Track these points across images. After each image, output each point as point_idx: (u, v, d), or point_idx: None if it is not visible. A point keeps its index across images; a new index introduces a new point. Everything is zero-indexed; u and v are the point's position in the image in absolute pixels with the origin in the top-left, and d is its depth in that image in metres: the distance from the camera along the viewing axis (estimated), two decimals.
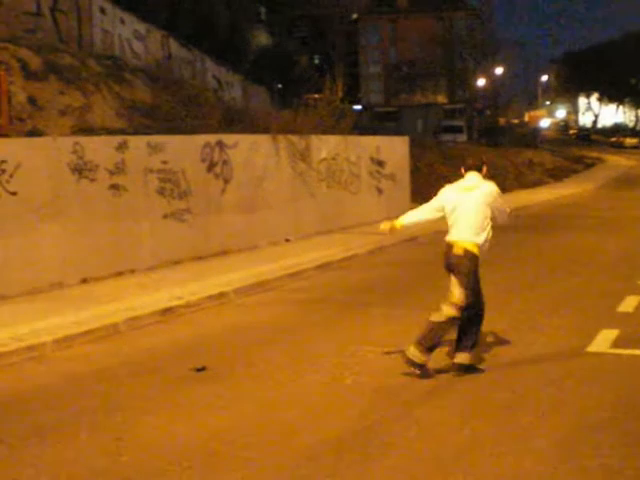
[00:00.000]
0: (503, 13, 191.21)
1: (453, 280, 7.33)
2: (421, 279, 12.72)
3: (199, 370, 7.66)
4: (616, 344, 8.28)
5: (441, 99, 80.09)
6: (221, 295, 11.41)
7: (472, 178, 7.61)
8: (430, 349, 7.28)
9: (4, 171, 10.84)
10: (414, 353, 7.23)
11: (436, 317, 7.33)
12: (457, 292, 7.26)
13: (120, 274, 12.64)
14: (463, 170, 7.72)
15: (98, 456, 5.61)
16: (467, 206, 7.42)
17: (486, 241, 7.40)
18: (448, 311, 7.27)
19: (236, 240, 15.48)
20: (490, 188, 7.53)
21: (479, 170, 7.70)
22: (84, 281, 12.05)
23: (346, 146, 20.01)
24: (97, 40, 20.32)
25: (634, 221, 21.40)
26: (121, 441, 5.88)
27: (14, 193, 10.98)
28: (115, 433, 6.04)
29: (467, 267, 7.26)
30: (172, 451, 5.65)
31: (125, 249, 12.90)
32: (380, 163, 21.66)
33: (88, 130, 14.52)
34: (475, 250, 7.32)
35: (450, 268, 7.41)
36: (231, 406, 6.65)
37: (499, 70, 68.00)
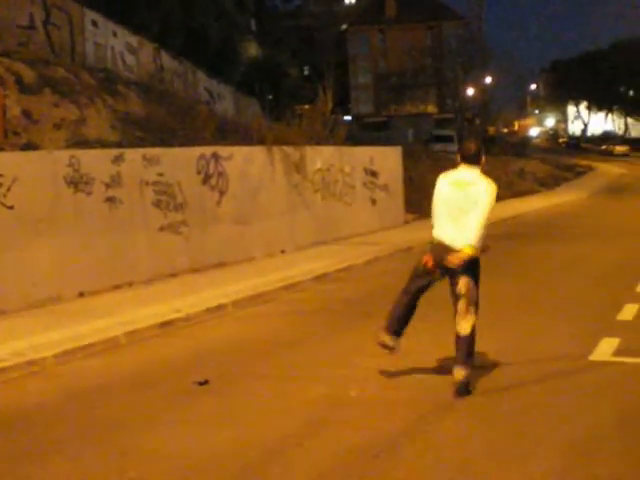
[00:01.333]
0: (493, 21, 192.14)
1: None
2: None
3: (201, 384, 7.62)
4: (618, 352, 8.26)
5: (431, 109, 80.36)
6: (219, 307, 11.38)
7: (469, 171, 7.11)
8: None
9: (1, 185, 10.80)
10: (463, 373, 6.98)
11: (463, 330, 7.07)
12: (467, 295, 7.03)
13: (117, 287, 12.59)
14: (459, 158, 7.20)
15: (104, 472, 5.56)
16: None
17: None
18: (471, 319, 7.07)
19: (232, 252, 15.46)
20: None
21: (478, 161, 7.14)
22: (81, 295, 11.99)
23: (340, 157, 20.04)
24: (90, 53, 20.30)
25: (629, 229, 21.46)
26: (126, 457, 5.83)
27: (11, 207, 10.93)
28: (120, 448, 6.00)
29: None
30: (178, 466, 5.61)
31: (122, 262, 12.86)
32: (374, 174, 21.70)
33: (83, 143, 14.49)
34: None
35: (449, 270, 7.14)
36: (236, 420, 6.61)
37: (488, 79, 68.30)
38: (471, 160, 7.13)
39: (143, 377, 8.16)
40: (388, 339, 7.41)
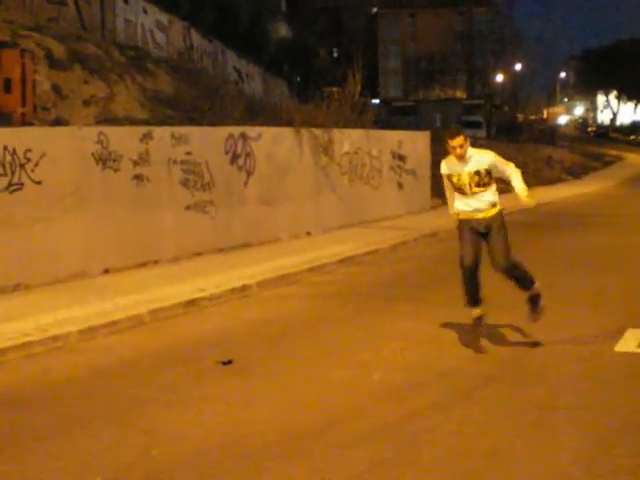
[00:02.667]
0: (525, 7, 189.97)
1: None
2: (445, 274, 12.56)
3: (225, 363, 7.61)
4: None
5: (460, 94, 79.82)
6: (244, 288, 11.36)
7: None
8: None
9: (29, 160, 10.81)
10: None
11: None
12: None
13: (143, 265, 12.61)
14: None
15: (127, 449, 5.56)
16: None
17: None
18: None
19: (258, 232, 15.44)
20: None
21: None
22: (106, 271, 12.02)
23: (368, 140, 19.92)
24: (120, 30, 20.33)
25: None
26: (150, 434, 5.83)
27: (39, 182, 10.95)
28: (143, 426, 6.00)
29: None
30: (202, 444, 5.60)
31: (148, 240, 12.87)
32: (401, 158, 21.57)
33: (112, 120, 14.50)
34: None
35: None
36: (260, 400, 6.59)
37: (518, 66, 67.69)
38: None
39: (167, 355, 8.16)
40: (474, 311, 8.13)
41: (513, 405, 6.37)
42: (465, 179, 7.89)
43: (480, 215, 7.93)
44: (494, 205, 7.95)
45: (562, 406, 6.33)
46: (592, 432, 5.73)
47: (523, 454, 5.36)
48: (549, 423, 5.95)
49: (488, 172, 7.88)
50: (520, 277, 8.05)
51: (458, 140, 7.82)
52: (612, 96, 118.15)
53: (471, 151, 7.95)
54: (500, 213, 8.00)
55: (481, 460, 5.28)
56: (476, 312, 8.08)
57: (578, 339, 8.36)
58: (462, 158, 7.86)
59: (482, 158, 7.93)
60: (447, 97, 78.68)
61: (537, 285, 8.09)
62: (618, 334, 8.46)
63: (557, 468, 5.13)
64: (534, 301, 8.09)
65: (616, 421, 5.94)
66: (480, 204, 7.91)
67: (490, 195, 7.93)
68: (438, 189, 23.84)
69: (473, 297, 8.07)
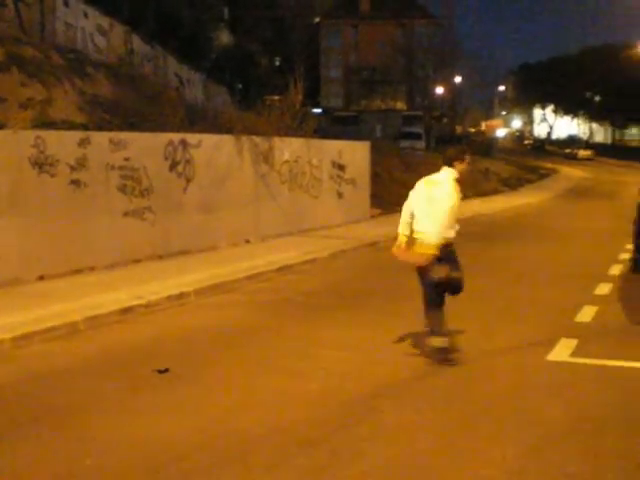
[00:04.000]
0: (465, 21, 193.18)
1: None
2: (382, 283, 12.74)
3: (161, 372, 7.58)
4: (575, 353, 8.36)
5: (400, 105, 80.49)
6: (181, 295, 11.32)
7: (443, 173, 7.77)
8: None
9: None
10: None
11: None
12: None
13: (79, 271, 12.47)
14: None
15: (61, 459, 5.51)
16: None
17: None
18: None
19: (197, 240, 15.38)
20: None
21: (450, 165, 7.76)
22: (42, 278, 11.86)
23: (308, 149, 20.01)
24: (60, 33, 20.05)
25: (588, 231, 21.70)
26: (83, 442, 5.78)
27: None
28: (78, 435, 5.95)
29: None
30: (136, 454, 5.58)
31: (84, 246, 12.73)
32: (341, 167, 21.71)
33: (49, 124, 14.29)
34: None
35: None
36: (194, 409, 6.58)
37: (458, 79, 68.67)
38: (446, 162, 7.82)
39: (102, 363, 8.09)
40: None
41: (445, 413, 6.48)
42: None
43: None
44: None
45: (494, 414, 6.45)
46: (523, 442, 5.84)
47: (452, 462, 5.45)
48: (480, 431, 6.06)
49: None
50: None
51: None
52: (549, 110, 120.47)
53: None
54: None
55: (414, 467, 5.36)
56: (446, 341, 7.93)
57: (511, 349, 8.53)
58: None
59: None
60: (388, 108, 79.29)
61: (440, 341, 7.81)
62: (550, 344, 8.66)
63: (486, 475, 5.23)
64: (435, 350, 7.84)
65: (547, 431, 6.08)
66: None
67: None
68: (377, 199, 24.17)
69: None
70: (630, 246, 14.94)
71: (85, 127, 14.90)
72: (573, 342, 8.75)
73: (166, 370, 7.61)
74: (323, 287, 12.77)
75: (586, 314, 10.38)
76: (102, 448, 5.69)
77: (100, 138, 13.15)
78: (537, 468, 5.34)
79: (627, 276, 13.74)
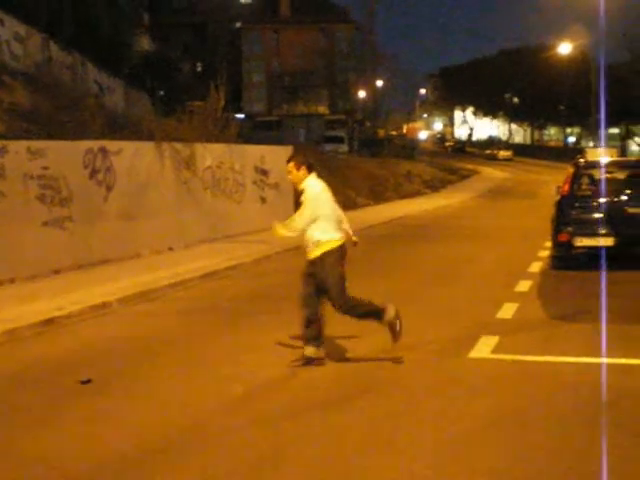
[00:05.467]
0: (385, 26, 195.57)
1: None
2: None
3: (84, 382, 7.46)
4: (496, 350, 8.51)
5: (323, 110, 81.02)
6: (104, 305, 11.18)
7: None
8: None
9: None
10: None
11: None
12: None
13: None
14: (307, 169, 8.02)
15: None
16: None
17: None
18: None
19: (118, 248, 15.21)
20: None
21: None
22: None
23: (231, 155, 19.99)
24: None
25: (509, 230, 22.20)
26: (6, 457, 5.67)
27: None
28: None
29: None
30: (58, 467, 5.50)
31: (3, 257, 12.46)
32: (264, 172, 21.74)
33: None
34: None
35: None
36: (117, 418, 6.51)
37: (379, 83, 69.38)
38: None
39: (22, 376, 7.94)
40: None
41: (370, 414, 6.52)
42: None
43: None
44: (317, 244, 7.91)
45: (419, 413, 6.53)
46: (445, 438, 5.91)
47: (381, 461, 5.51)
48: (406, 430, 6.12)
49: None
50: (366, 314, 8.01)
51: (287, 166, 8.13)
52: (469, 112, 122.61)
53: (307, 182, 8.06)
54: (325, 253, 7.86)
55: (339, 469, 5.40)
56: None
57: (432, 348, 8.66)
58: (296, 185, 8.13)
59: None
60: (310, 112, 79.69)
61: (389, 313, 7.89)
62: (472, 341, 8.82)
63: (413, 472, 5.30)
64: (391, 328, 7.93)
65: (468, 426, 6.17)
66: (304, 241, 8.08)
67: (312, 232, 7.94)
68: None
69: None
70: (549, 243, 15.35)
71: (2, 136, 14.59)
72: (494, 339, 8.91)
73: (89, 381, 7.49)
74: (248, 292, 12.77)
75: (507, 311, 10.59)
76: (22, 464, 5.56)
77: (17, 147, 12.90)
78: (465, 464, 5.43)
79: (547, 272, 14.12)
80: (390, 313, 7.87)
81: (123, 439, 6.00)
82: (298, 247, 17.26)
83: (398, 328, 7.91)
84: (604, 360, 7.83)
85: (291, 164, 8.03)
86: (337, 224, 8.03)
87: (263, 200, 21.75)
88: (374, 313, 7.93)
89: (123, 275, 13.39)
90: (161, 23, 49.83)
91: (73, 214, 13.97)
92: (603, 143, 43.11)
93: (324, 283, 7.83)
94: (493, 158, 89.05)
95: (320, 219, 7.84)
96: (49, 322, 10.09)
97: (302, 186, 8.00)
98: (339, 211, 8.23)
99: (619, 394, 6.85)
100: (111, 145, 15.30)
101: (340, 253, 7.88)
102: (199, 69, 61.50)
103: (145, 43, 43.27)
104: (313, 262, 7.92)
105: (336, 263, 7.82)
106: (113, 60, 32.58)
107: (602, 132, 46.81)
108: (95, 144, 14.91)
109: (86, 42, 29.19)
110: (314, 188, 7.97)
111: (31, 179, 13.03)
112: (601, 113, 43.37)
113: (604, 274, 12.06)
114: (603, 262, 12.54)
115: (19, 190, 12.78)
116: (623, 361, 7.95)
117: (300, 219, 7.90)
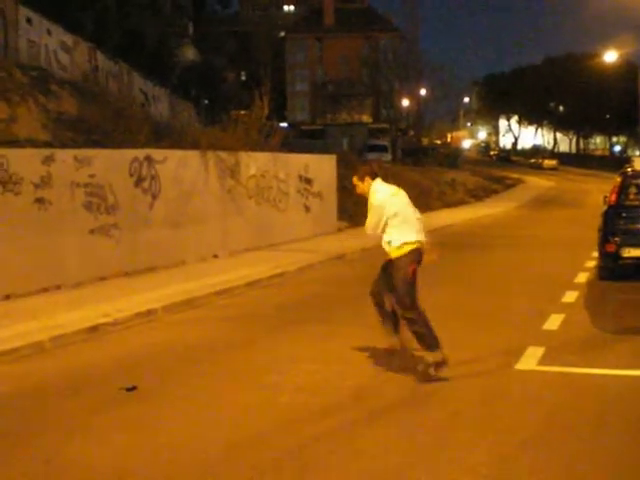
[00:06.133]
0: (430, 34, 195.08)
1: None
2: (352, 296, 12.73)
3: (129, 390, 7.50)
4: (542, 361, 8.41)
5: (366, 118, 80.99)
6: (149, 312, 11.23)
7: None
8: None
9: None
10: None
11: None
12: None
13: (45, 290, 12.33)
14: (370, 177, 8.16)
15: None
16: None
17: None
18: None
19: (164, 256, 15.29)
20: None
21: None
22: (7, 297, 11.71)
23: (275, 163, 20.02)
24: (23, 50, 19.90)
25: (555, 240, 21.93)
26: (50, 464, 5.70)
27: None
28: (43, 455, 5.86)
29: None
30: (104, 475, 5.51)
31: (51, 264, 12.60)
32: (308, 181, 21.74)
33: (13, 142, 14.15)
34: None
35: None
36: (164, 427, 6.52)
37: (423, 91, 69.17)
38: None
39: (69, 383, 7.99)
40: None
41: (417, 425, 6.47)
42: None
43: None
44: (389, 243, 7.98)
45: (464, 425, 6.46)
46: (494, 450, 5.85)
47: (427, 473, 5.45)
48: (452, 442, 6.06)
49: None
50: (420, 335, 7.87)
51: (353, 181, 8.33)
52: (513, 120, 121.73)
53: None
54: (398, 257, 7.90)
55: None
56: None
57: (479, 359, 8.56)
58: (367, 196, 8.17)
59: None
60: (354, 121, 79.72)
61: (436, 356, 7.71)
62: (518, 353, 8.70)
63: None
64: (426, 368, 7.74)
65: (517, 439, 6.10)
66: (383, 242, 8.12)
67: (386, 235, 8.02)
68: (344, 212, 24.20)
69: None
70: (596, 254, 15.11)
71: (49, 145, 14.78)
72: (541, 350, 8.80)
73: (134, 388, 7.53)
74: (292, 301, 12.75)
75: (553, 322, 10.45)
76: (67, 469, 5.61)
77: (64, 155, 13.05)
78: (510, 475, 5.35)
79: (593, 283, 13.90)
80: (437, 357, 7.70)
81: (167, 449, 5.99)
82: (342, 256, 17.38)
83: (432, 373, 7.69)
84: None
85: (354, 179, 8.23)
86: (411, 226, 7.97)
87: (307, 209, 21.75)
88: (428, 341, 7.79)
89: (168, 283, 13.46)
90: (206, 33, 50.21)
91: (119, 222, 14.09)
92: None
93: (393, 281, 7.91)
94: (538, 167, 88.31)
95: (392, 222, 7.91)
96: (95, 329, 10.17)
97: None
98: (416, 214, 8.16)
99: None
100: (156, 154, 15.41)
101: (413, 257, 7.87)
102: (243, 78, 61.92)
103: (190, 52, 43.65)
104: (389, 262, 8.00)
105: (406, 265, 7.83)
106: (158, 69, 32.94)
107: None
108: (140, 152, 15.02)
109: (132, 51, 29.56)
110: (377, 194, 8.05)
111: (78, 187, 13.16)
112: None
113: None
114: None
115: (66, 198, 12.92)
116: None
117: (367, 225, 8.13)
